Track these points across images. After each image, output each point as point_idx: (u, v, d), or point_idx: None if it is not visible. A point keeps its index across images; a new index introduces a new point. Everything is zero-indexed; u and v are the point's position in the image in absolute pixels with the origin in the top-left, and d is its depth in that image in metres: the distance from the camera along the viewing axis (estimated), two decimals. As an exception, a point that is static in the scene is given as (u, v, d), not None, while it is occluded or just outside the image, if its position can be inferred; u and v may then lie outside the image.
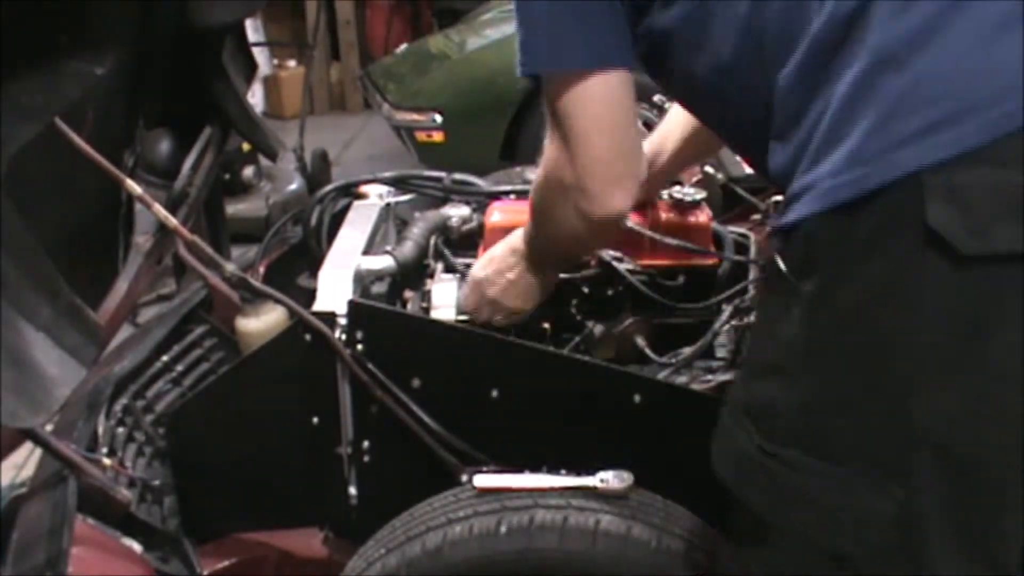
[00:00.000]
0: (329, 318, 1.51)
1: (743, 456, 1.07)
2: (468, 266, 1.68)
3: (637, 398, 1.46)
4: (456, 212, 1.85)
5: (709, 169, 1.92)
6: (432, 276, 1.75)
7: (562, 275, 1.70)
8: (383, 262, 1.71)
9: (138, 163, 1.74)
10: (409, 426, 1.49)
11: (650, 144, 1.73)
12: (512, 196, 1.85)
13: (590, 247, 1.48)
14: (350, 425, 1.53)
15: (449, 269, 1.75)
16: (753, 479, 1.06)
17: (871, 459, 0.98)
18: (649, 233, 1.70)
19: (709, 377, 1.57)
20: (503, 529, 1.35)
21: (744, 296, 1.67)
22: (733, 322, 1.64)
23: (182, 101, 1.77)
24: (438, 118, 4.38)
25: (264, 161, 4.47)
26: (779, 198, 1.33)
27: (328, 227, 1.92)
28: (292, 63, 6.96)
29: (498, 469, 1.45)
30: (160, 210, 1.60)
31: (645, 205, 1.75)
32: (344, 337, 1.50)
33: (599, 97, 1.20)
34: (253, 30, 5.93)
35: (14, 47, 1.10)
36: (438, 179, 1.96)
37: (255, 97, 6.56)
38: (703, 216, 1.77)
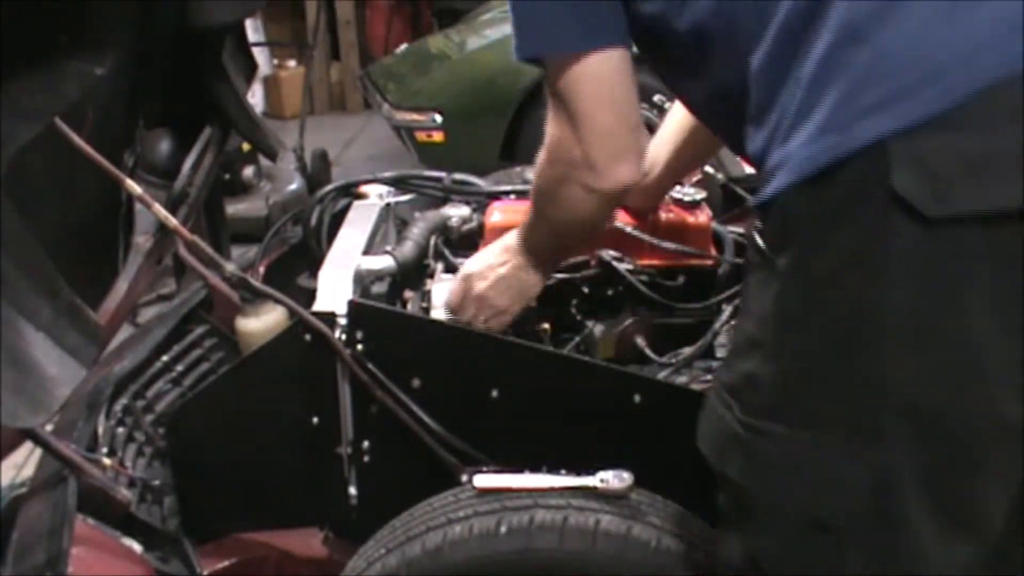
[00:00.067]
0: (329, 318, 1.51)
1: (726, 432, 1.09)
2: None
3: (637, 398, 1.46)
4: (456, 212, 1.86)
5: (709, 169, 1.92)
6: (432, 276, 1.75)
7: (562, 275, 1.70)
8: (383, 262, 1.71)
9: (138, 163, 1.74)
10: (409, 426, 1.49)
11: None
12: (512, 196, 1.86)
13: (593, 228, 1.45)
14: (350, 425, 1.53)
15: (449, 269, 1.75)
16: (735, 454, 1.08)
17: (847, 426, 1.00)
18: (646, 237, 1.71)
19: (709, 377, 1.57)
20: (503, 529, 1.35)
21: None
22: (733, 322, 1.64)
23: (182, 101, 1.77)
24: (438, 118, 4.38)
25: (264, 161, 4.47)
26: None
27: (328, 227, 1.92)
28: (292, 63, 6.96)
29: (498, 469, 1.45)
30: (160, 210, 1.60)
31: (646, 214, 1.76)
32: (344, 337, 1.50)
33: (600, 75, 1.23)
34: (253, 30, 5.94)
35: (14, 47, 1.10)
36: (438, 179, 1.97)
37: (255, 97, 6.56)
38: (703, 216, 1.78)
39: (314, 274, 1.73)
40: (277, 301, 1.60)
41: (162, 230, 1.64)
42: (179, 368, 1.80)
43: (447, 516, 1.39)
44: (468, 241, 1.80)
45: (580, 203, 1.33)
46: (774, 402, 1.05)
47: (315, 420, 1.53)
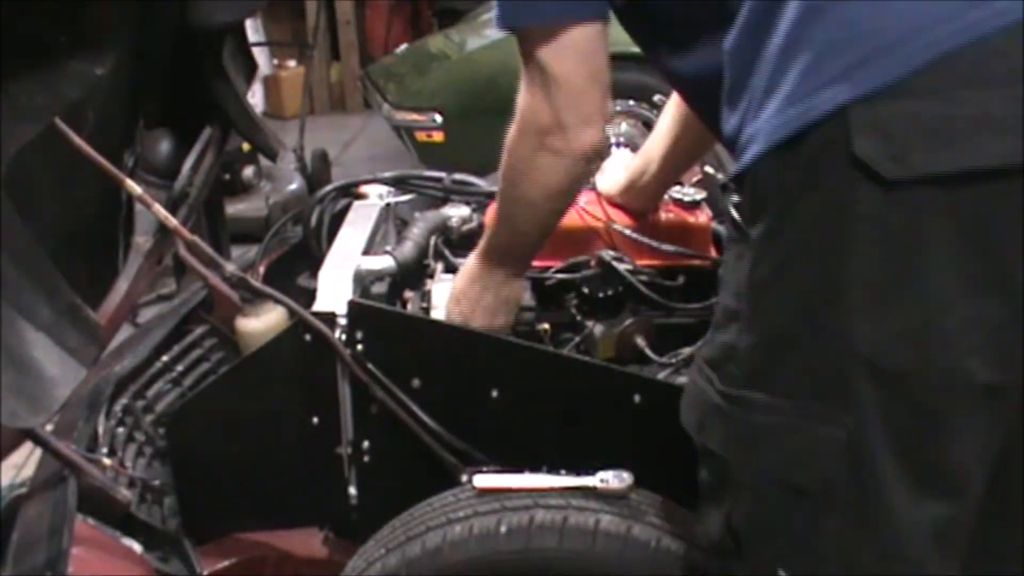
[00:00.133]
0: (329, 318, 1.51)
1: (707, 405, 1.12)
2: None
3: (637, 398, 1.46)
4: (456, 212, 1.86)
5: (709, 169, 1.92)
6: (432, 276, 1.75)
7: (562, 275, 1.70)
8: (383, 262, 1.71)
9: (138, 163, 1.74)
10: (409, 426, 1.49)
11: (639, 157, 1.75)
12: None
13: (563, 200, 1.45)
14: (350, 425, 1.53)
15: (449, 269, 1.75)
16: (716, 425, 1.11)
17: (819, 389, 1.02)
18: (643, 239, 1.71)
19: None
20: (503, 529, 1.35)
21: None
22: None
23: (182, 101, 1.77)
24: (438, 118, 4.38)
25: (264, 161, 4.47)
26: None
27: (328, 227, 1.93)
28: (292, 63, 6.96)
29: (498, 469, 1.45)
30: (160, 210, 1.60)
31: (645, 214, 1.76)
32: (344, 337, 1.50)
33: (580, 44, 1.28)
34: (253, 30, 5.94)
35: (14, 47, 1.10)
36: (438, 179, 1.97)
37: (255, 97, 6.56)
38: (703, 216, 1.78)
39: (314, 274, 1.73)
40: (277, 301, 1.60)
41: (162, 230, 1.64)
42: (179, 368, 1.80)
43: (447, 516, 1.39)
44: (468, 241, 1.80)
45: (551, 171, 1.36)
46: (751, 371, 1.07)
47: (315, 420, 1.53)
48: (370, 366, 1.49)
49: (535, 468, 1.42)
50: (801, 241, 1.02)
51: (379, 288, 1.69)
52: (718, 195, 1.89)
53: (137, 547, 1.42)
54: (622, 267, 1.67)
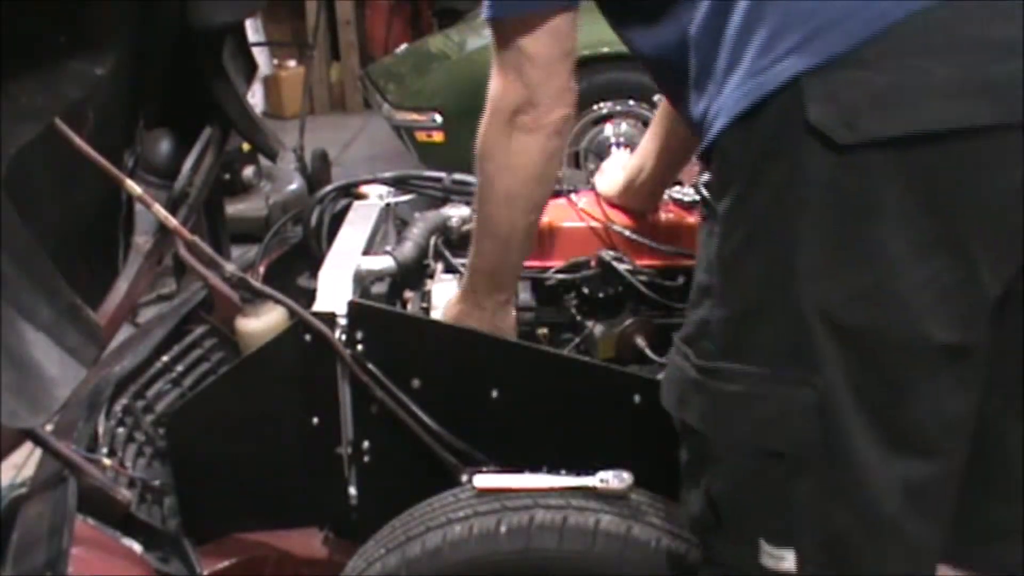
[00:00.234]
0: (329, 318, 1.51)
1: (684, 381, 1.15)
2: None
3: (637, 398, 1.46)
4: (456, 212, 1.86)
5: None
6: (432, 276, 1.75)
7: (562, 275, 1.70)
8: (383, 262, 1.71)
9: (138, 163, 1.74)
10: (409, 426, 1.49)
11: (636, 157, 1.76)
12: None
13: (540, 187, 1.46)
14: (350, 425, 1.53)
15: (449, 269, 1.75)
16: (693, 399, 1.14)
17: (788, 354, 1.05)
18: (642, 239, 1.71)
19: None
20: (503, 529, 1.35)
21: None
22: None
23: (182, 101, 1.77)
24: (438, 118, 4.38)
25: (264, 161, 4.48)
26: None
27: (328, 227, 1.93)
28: (292, 63, 6.96)
29: (498, 469, 1.45)
30: (160, 210, 1.59)
31: (644, 214, 1.76)
32: (344, 337, 1.50)
33: (551, 26, 1.35)
34: (253, 30, 5.94)
35: (14, 47, 1.10)
36: (438, 179, 1.97)
37: (255, 97, 6.56)
38: (703, 216, 1.78)
39: (314, 274, 1.73)
40: (277, 301, 1.60)
41: (162, 230, 1.64)
42: (179, 368, 1.80)
43: (447, 516, 1.39)
44: (468, 241, 1.80)
45: (524, 151, 1.39)
46: (725, 342, 1.10)
47: (315, 420, 1.53)
48: (370, 366, 1.49)
49: (535, 468, 1.42)
50: (765, 211, 1.06)
51: (379, 288, 1.69)
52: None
53: (137, 547, 1.42)
54: (622, 267, 1.67)
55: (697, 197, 1.78)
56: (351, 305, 1.52)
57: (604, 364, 1.58)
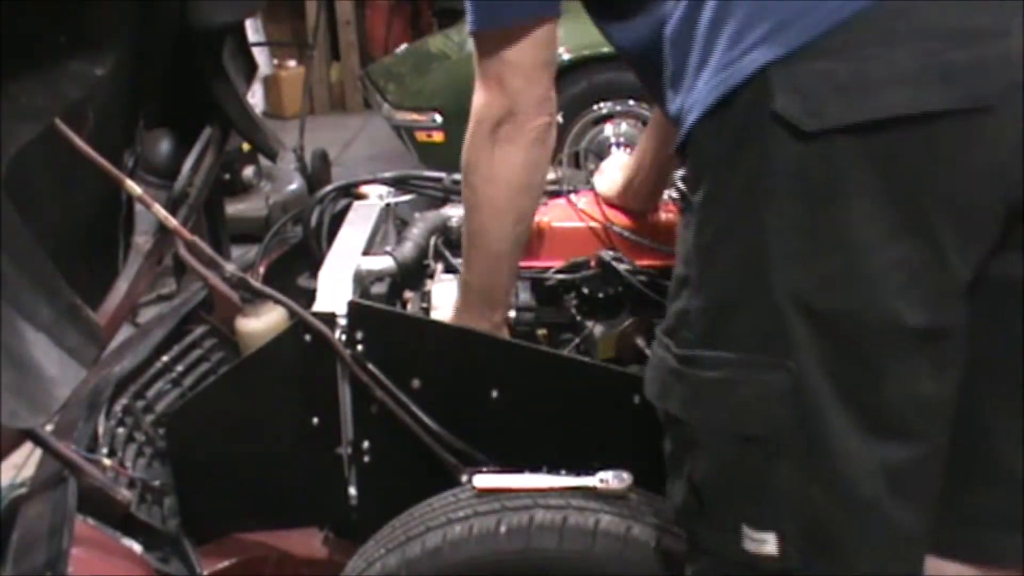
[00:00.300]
0: (329, 319, 1.51)
1: (665, 371, 1.17)
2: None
3: (637, 398, 1.46)
4: (456, 212, 1.85)
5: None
6: (432, 276, 1.75)
7: (562, 275, 1.70)
8: (383, 262, 1.71)
9: (138, 163, 1.74)
10: (409, 426, 1.49)
11: (634, 157, 1.76)
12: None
13: (526, 198, 1.49)
14: (350, 425, 1.53)
15: (449, 269, 1.75)
16: (674, 388, 1.16)
17: (762, 339, 1.07)
18: (641, 239, 1.71)
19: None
20: (503, 529, 1.35)
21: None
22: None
23: (182, 101, 1.77)
24: (438, 118, 4.38)
25: (264, 161, 4.48)
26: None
27: (328, 227, 1.93)
28: (292, 63, 6.96)
29: (498, 469, 1.45)
30: (160, 210, 1.59)
31: (644, 215, 1.76)
32: (344, 337, 1.50)
33: (533, 35, 1.39)
34: (253, 30, 5.94)
35: (14, 47, 1.09)
36: (438, 179, 1.97)
37: (255, 97, 6.57)
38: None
39: (314, 274, 1.73)
40: (277, 301, 1.60)
41: (162, 230, 1.64)
42: (179, 368, 1.80)
43: (447, 516, 1.39)
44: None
45: (507, 162, 1.43)
46: (703, 331, 1.12)
47: (315, 420, 1.53)
48: (370, 366, 1.49)
49: (535, 468, 1.42)
50: (737, 200, 1.08)
51: (379, 288, 1.69)
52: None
53: (137, 547, 1.42)
54: (622, 267, 1.67)
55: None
56: (351, 305, 1.52)
57: (604, 364, 1.58)
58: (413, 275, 1.76)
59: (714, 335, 1.11)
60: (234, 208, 3.93)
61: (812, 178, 1.03)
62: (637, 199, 1.77)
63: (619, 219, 1.76)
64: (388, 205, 1.97)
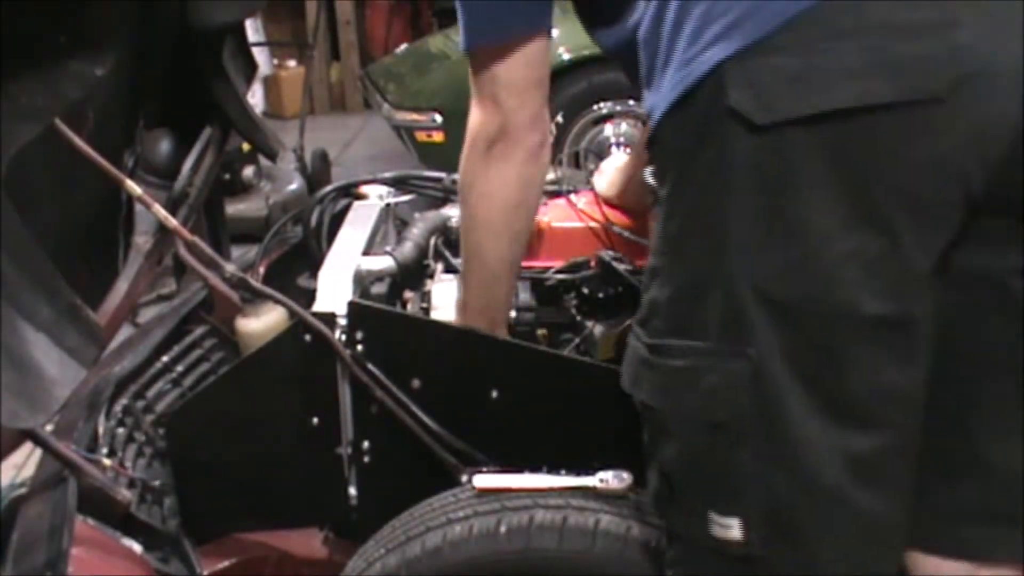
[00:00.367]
0: (329, 319, 1.51)
1: (637, 359, 1.20)
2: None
3: (637, 398, 1.46)
4: (456, 212, 1.85)
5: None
6: (432, 277, 1.75)
7: (562, 275, 1.70)
8: (383, 263, 1.71)
9: (138, 163, 1.74)
10: (409, 426, 1.49)
11: (633, 157, 1.76)
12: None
13: (521, 216, 1.50)
14: (350, 425, 1.53)
15: (449, 269, 1.75)
16: (645, 376, 1.19)
17: (725, 329, 1.09)
18: (641, 240, 1.71)
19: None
20: (503, 529, 1.35)
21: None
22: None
23: (182, 101, 1.77)
24: (438, 118, 4.38)
25: (264, 161, 4.47)
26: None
27: (328, 227, 1.92)
28: (292, 63, 6.96)
29: (498, 469, 1.45)
30: (160, 211, 1.59)
31: (643, 215, 1.76)
32: (344, 338, 1.50)
33: (524, 53, 1.41)
34: (253, 30, 5.94)
35: (14, 47, 1.09)
36: (438, 179, 1.97)
37: (255, 97, 6.57)
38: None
39: (314, 274, 1.73)
40: (277, 302, 1.60)
41: (162, 230, 1.64)
42: (179, 368, 1.80)
43: (447, 516, 1.39)
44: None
45: (501, 180, 1.45)
46: (671, 320, 1.15)
47: (315, 420, 1.53)
48: (370, 366, 1.49)
49: (535, 468, 1.42)
50: (698, 193, 1.11)
51: (379, 288, 1.69)
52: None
53: (137, 547, 1.42)
54: (622, 267, 1.67)
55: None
56: (351, 305, 1.52)
57: (604, 364, 1.58)
58: (413, 275, 1.76)
59: (681, 324, 1.14)
60: (234, 208, 3.93)
61: (766, 170, 1.05)
62: (637, 198, 1.77)
63: (619, 219, 1.76)
64: (388, 205, 1.97)
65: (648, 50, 1.19)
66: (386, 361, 1.49)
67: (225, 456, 1.57)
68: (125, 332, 1.83)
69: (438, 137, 4.39)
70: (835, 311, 1.05)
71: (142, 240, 1.67)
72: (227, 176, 4.24)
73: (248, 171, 4.45)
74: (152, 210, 1.58)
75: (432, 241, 1.80)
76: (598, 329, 1.68)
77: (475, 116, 1.47)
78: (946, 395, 1.13)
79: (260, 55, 5.80)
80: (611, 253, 1.69)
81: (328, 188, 1.99)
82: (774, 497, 1.11)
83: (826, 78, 1.03)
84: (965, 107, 1.01)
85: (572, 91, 4.18)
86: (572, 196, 1.82)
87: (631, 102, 4.23)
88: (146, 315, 2.42)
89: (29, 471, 1.55)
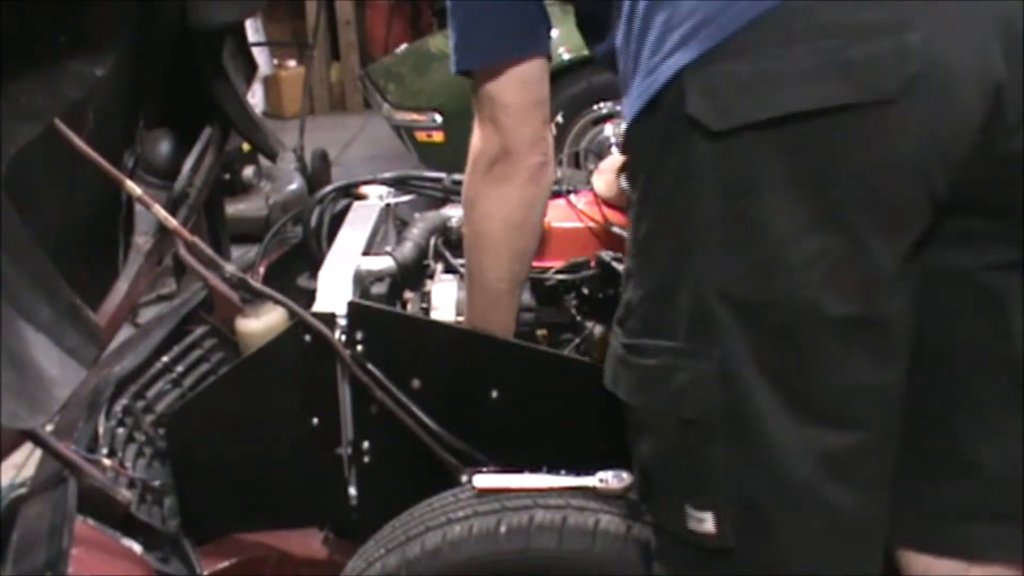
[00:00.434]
0: (329, 319, 1.51)
1: (615, 359, 1.23)
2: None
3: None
4: (456, 212, 1.86)
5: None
6: (432, 277, 1.75)
7: (562, 275, 1.70)
8: (383, 263, 1.71)
9: (138, 163, 1.74)
10: (409, 427, 1.49)
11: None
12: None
13: (523, 235, 1.51)
14: (350, 425, 1.53)
15: (449, 270, 1.76)
16: (622, 375, 1.21)
17: (693, 329, 1.11)
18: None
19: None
20: (502, 529, 1.35)
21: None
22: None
23: (182, 101, 1.77)
24: (438, 118, 4.38)
25: (264, 161, 4.47)
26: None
27: (328, 228, 1.92)
28: (292, 63, 6.96)
29: (498, 469, 1.45)
30: (160, 211, 1.59)
31: None
32: (344, 338, 1.50)
33: (521, 75, 1.42)
34: (253, 30, 5.94)
35: (14, 47, 1.09)
36: (438, 179, 1.97)
37: (255, 97, 6.57)
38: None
39: (314, 274, 1.73)
40: (277, 302, 1.60)
41: (162, 230, 1.64)
42: (179, 369, 1.80)
43: (447, 516, 1.39)
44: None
45: (503, 199, 1.46)
46: (644, 320, 1.18)
47: (315, 421, 1.53)
48: (370, 367, 1.49)
49: (535, 468, 1.42)
50: (665, 197, 1.13)
51: (379, 289, 1.69)
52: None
53: (137, 547, 1.42)
54: (621, 267, 1.67)
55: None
56: (351, 305, 1.52)
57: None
58: (413, 275, 1.76)
59: (653, 325, 1.16)
60: (234, 208, 3.93)
61: (727, 175, 1.07)
62: None
63: (619, 219, 1.76)
64: (388, 205, 1.97)
65: (622, 57, 1.21)
66: (386, 361, 1.49)
67: (225, 456, 1.57)
68: (125, 332, 1.83)
69: (438, 137, 4.39)
70: (799, 312, 1.06)
71: (142, 240, 1.67)
72: (227, 176, 4.24)
73: (248, 171, 4.44)
74: (152, 210, 1.58)
75: (432, 241, 1.80)
76: (598, 329, 1.68)
77: (476, 136, 1.47)
78: (930, 394, 1.14)
79: (260, 55, 5.80)
80: (611, 253, 1.69)
81: (328, 188, 1.99)
82: (745, 492, 1.12)
83: (780, 82, 1.04)
84: (918, 107, 1.01)
85: (572, 91, 4.18)
86: (572, 196, 1.82)
87: (631, 102, 4.24)
88: (146, 315, 2.42)
89: (29, 471, 1.56)
